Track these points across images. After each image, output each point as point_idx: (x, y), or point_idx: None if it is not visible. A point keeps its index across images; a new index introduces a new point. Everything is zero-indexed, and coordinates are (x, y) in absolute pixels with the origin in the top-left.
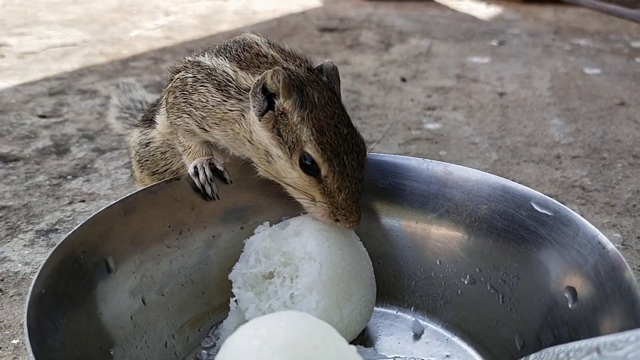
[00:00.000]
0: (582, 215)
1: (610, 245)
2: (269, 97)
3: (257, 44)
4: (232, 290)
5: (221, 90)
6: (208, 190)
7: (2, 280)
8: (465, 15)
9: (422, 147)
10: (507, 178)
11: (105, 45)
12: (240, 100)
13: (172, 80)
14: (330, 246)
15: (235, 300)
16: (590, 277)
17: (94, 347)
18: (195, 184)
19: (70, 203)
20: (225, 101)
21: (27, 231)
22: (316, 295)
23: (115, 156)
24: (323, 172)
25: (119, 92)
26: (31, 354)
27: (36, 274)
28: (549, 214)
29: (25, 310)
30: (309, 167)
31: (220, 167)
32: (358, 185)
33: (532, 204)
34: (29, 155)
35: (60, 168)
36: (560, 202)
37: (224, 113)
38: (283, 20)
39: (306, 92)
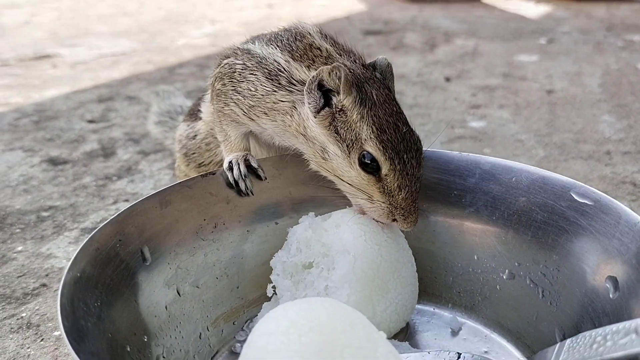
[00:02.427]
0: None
1: None
2: (325, 93)
3: (310, 34)
4: (271, 276)
5: (271, 79)
6: (242, 185)
7: (47, 275)
8: (513, 15)
9: (465, 145)
10: None
11: (152, 53)
12: (292, 91)
13: (220, 65)
14: (367, 240)
15: (273, 287)
16: (632, 264)
17: (128, 332)
18: (229, 178)
19: (115, 202)
20: (275, 91)
21: (72, 229)
22: (348, 288)
23: (158, 158)
24: (384, 170)
25: (158, 100)
26: (63, 332)
27: (72, 258)
28: (590, 203)
29: (60, 289)
30: (367, 165)
31: (254, 164)
32: (417, 185)
33: (572, 194)
34: (77, 158)
35: (106, 170)
36: None
37: (273, 103)
38: (327, 25)
39: (365, 90)
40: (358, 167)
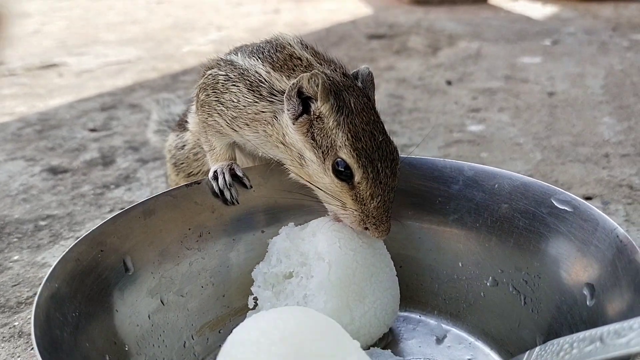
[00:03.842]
0: (627, 215)
1: (628, 238)
2: (304, 100)
3: (290, 45)
4: (252, 288)
5: (253, 90)
6: (227, 194)
7: (40, 284)
8: (519, 16)
9: (462, 150)
10: (550, 178)
11: (158, 61)
12: (272, 102)
13: (204, 76)
14: (342, 247)
15: (254, 299)
16: (608, 271)
17: (107, 342)
18: (214, 187)
19: (111, 211)
20: (257, 102)
21: (68, 238)
22: (324, 295)
23: (157, 166)
24: (357, 178)
25: (158, 108)
26: (34, 342)
27: (50, 269)
28: (569, 209)
29: (35, 300)
30: (341, 173)
31: (240, 173)
32: (390, 194)
33: (553, 201)
34: (77, 166)
35: (105, 178)
36: (605, 202)
37: (255, 114)
38: (332, 30)
39: (342, 97)
40: (332, 174)
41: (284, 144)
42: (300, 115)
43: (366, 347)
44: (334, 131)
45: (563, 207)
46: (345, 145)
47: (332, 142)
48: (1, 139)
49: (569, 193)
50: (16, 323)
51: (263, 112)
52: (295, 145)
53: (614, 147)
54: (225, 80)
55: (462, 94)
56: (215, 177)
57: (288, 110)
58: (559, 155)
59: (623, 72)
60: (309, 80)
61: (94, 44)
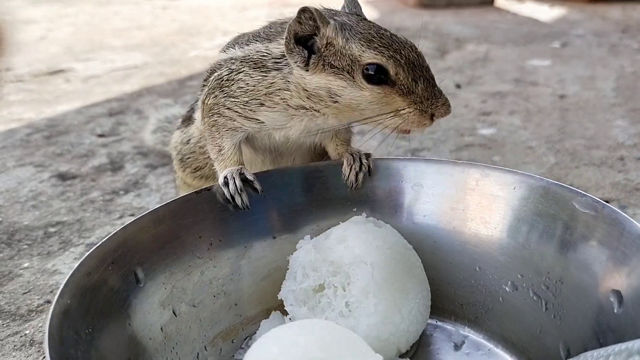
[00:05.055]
0: None
1: None
2: (304, 44)
3: (281, 20)
4: (286, 308)
5: (258, 68)
6: (238, 200)
7: (51, 292)
8: (526, 19)
9: (474, 154)
10: (565, 182)
11: (164, 66)
12: (279, 69)
13: (207, 80)
14: (379, 246)
15: (290, 319)
16: (637, 278)
17: (121, 357)
18: (225, 194)
19: (120, 217)
20: (265, 75)
21: (78, 245)
22: (373, 298)
23: (166, 171)
24: (392, 71)
25: (156, 114)
26: None
27: (61, 285)
28: (592, 213)
29: (48, 319)
30: (374, 77)
31: (250, 177)
32: (429, 72)
33: (574, 204)
34: (86, 172)
35: (114, 184)
36: (622, 206)
37: (267, 88)
38: None
39: (337, 19)
40: (368, 85)
41: (308, 98)
42: (309, 58)
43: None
44: (347, 46)
45: (585, 211)
46: (364, 50)
47: (351, 56)
48: (10, 145)
49: (591, 195)
50: (27, 331)
51: (274, 82)
52: (320, 87)
53: (628, 150)
54: (229, 74)
55: (472, 97)
56: (226, 183)
57: (296, 62)
58: (573, 159)
59: (635, 74)
60: (299, 21)
61: (100, 50)
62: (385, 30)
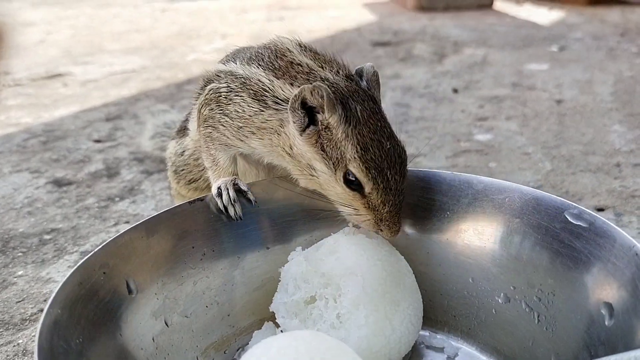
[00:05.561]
0: None
1: None
2: (309, 110)
3: (290, 51)
4: (277, 320)
5: (257, 100)
6: (231, 211)
7: (45, 300)
8: (525, 22)
9: (470, 159)
10: (561, 189)
11: (162, 70)
12: (278, 110)
13: (203, 89)
14: (369, 258)
15: (282, 331)
16: (628, 290)
17: None
18: (218, 205)
19: (115, 224)
20: (262, 111)
21: (72, 252)
22: (363, 310)
23: (161, 177)
24: (367, 189)
25: (153, 119)
26: None
27: (52, 295)
28: (584, 225)
29: (38, 329)
30: (352, 182)
31: (244, 187)
32: (400, 197)
33: (566, 216)
34: (82, 179)
35: (109, 190)
36: (618, 214)
37: (261, 123)
38: (337, 37)
39: (349, 106)
40: (343, 185)
41: (290, 155)
42: (307, 126)
43: None
44: (343, 143)
45: (578, 223)
46: (354, 158)
47: (342, 153)
48: (7, 150)
49: (583, 208)
50: (20, 341)
51: (269, 120)
52: (304, 156)
53: (625, 157)
54: (227, 92)
55: (469, 102)
56: (220, 194)
57: (294, 122)
58: (569, 165)
59: (633, 78)
60: (312, 92)
61: (99, 53)
62: (387, 138)
